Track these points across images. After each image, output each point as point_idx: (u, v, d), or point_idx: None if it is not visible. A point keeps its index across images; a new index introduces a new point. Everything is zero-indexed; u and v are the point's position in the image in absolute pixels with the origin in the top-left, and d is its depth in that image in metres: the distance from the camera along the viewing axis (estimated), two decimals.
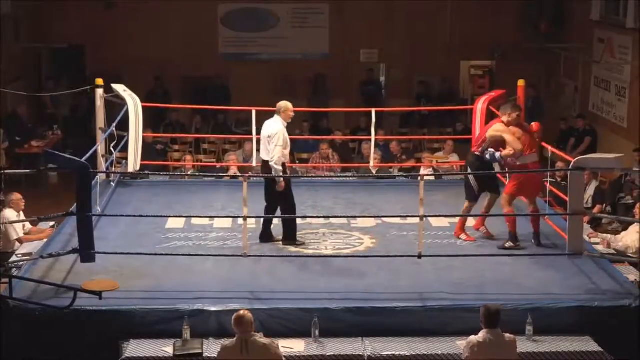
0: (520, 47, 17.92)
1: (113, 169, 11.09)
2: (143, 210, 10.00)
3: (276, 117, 8.95)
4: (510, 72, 15.59)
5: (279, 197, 8.88)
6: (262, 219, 9.14)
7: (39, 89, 17.46)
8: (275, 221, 9.15)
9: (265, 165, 8.94)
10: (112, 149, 10.76)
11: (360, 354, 7.08)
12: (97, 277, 7.90)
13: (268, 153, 8.85)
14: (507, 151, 8.82)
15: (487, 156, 8.98)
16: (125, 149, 10.84)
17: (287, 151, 8.97)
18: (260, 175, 9.29)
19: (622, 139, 14.72)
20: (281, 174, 8.79)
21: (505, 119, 8.98)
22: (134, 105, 10.80)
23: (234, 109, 16.35)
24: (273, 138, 8.76)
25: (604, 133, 15.62)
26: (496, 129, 8.96)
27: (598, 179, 13.01)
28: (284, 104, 8.98)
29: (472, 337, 6.45)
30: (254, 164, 12.07)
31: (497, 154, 8.90)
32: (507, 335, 6.52)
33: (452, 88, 18.94)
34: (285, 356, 6.64)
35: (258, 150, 11.95)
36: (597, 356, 7.09)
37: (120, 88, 11.10)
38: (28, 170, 13.03)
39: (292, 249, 8.90)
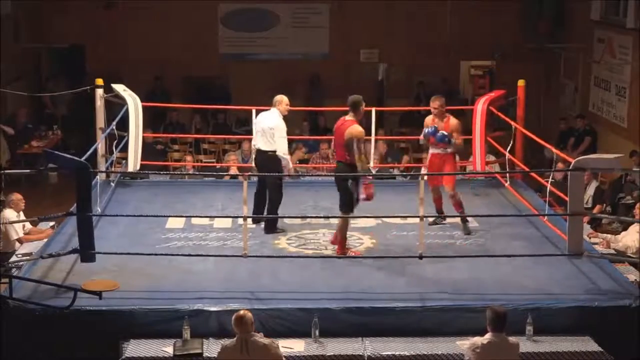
0: (520, 47, 17.92)
1: (113, 169, 11.09)
2: (143, 210, 10.00)
3: (274, 110, 9.38)
4: (510, 72, 15.60)
5: (275, 186, 9.30)
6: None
7: (39, 89, 17.46)
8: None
9: (264, 155, 9.32)
10: (112, 148, 10.77)
11: (360, 354, 7.08)
12: (97, 277, 7.90)
13: (268, 144, 9.29)
14: (459, 140, 9.36)
15: (439, 134, 9.18)
16: (125, 148, 10.85)
17: (286, 140, 9.47)
18: (259, 174, 9.44)
19: (622, 139, 14.72)
20: (290, 162, 9.44)
21: (436, 105, 9.38)
22: (134, 105, 10.82)
23: (234, 109, 16.36)
24: (276, 130, 9.22)
25: (603, 133, 15.62)
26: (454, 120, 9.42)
27: (598, 179, 13.01)
28: (280, 97, 9.46)
29: (477, 339, 6.43)
30: (254, 164, 12.07)
31: (453, 139, 9.25)
32: (511, 339, 6.51)
33: (452, 88, 18.92)
34: (285, 356, 6.65)
35: None
36: (597, 356, 7.09)
37: (120, 88, 11.12)
38: (28, 170, 13.05)
39: (292, 249, 8.91)
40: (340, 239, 8.64)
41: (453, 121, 9.36)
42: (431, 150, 9.51)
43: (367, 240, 9.22)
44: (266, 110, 9.67)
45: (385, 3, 18.32)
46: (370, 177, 8.58)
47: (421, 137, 9.54)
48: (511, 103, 11.78)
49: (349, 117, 8.61)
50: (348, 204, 8.57)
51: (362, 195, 8.44)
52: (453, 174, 9.48)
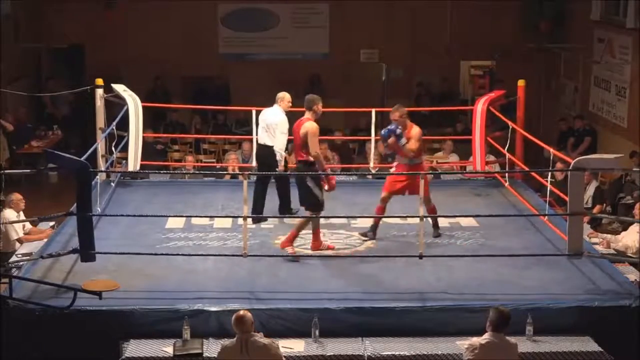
0: (520, 47, 17.92)
1: (113, 169, 11.09)
2: (143, 210, 10.00)
3: (276, 107, 9.70)
4: (510, 72, 15.60)
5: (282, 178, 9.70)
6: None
7: (39, 89, 17.47)
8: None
9: (267, 149, 9.61)
10: (112, 148, 10.77)
11: (360, 354, 7.08)
12: (97, 277, 7.90)
13: (271, 139, 9.60)
14: (413, 146, 8.89)
15: (392, 126, 8.87)
16: (125, 148, 10.86)
17: (286, 137, 9.74)
18: (259, 173, 9.48)
19: (622, 139, 14.72)
20: (282, 159, 9.71)
21: (397, 116, 8.97)
22: (134, 105, 10.83)
23: (234, 109, 16.36)
24: (279, 126, 9.54)
25: (604, 133, 15.62)
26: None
27: (598, 179, 13.01)
28: (283, 94, 9.78)
29: (475, 339, 6.41)
30: (254, 163, 12.08)
31: (403, 140, 8.84)
32: (510, 339, 6.50)
33: (452, 88, 18.94)
34: (285, 356, 6.64)
35: None
36: (597, 356, 7.08)
37: (120, 88, 11.13)
38: (28, 170, 13.04)
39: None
40: (292, 234, 8.59)
41: (415, 129, 9.02)
42: (398, 162, 9.25)
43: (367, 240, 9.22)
44: (267, 108, 9.83)
45: (385, 3, 18.33)
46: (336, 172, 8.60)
47: (381, 146, 9.31)
48: (512, 103, 11.78)
49: (305, 117, 8.70)
50: (315, 204, 8.61)
51: (326, 187, 8.58)
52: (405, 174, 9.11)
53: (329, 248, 8.86)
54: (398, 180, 9.08)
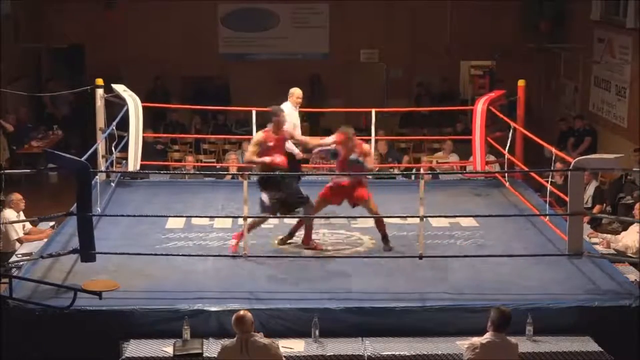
0: (520, 47, 17.93)
1: (113, 169, 11.10)
2: (143, 210, 10.00)
3: (287, 103, 9.87)
4: (510, 72, 15.61)
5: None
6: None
7: (39, 89, 17.47)
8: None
9: None
10: (112, 148, 10.78)
11: (360, 354, 7.08)
12: (97, 277, 7.90)
13: None
14: (372, 164, 8.97)
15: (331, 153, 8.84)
16: (125, 149, 10.86)
17: (298, 130, 9.79)
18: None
19: (622, 139, 14.73)
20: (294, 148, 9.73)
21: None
22: (134, 105, 10.83)
23: (234, 109, 16.37)
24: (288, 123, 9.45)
25: (604, 133, 15.63)
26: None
27: (598, 179, 13.01)
28: (293, 90, 10.01)
29: (476, 339, 6.41)
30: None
31: (354, 155, 8.67)
32: (511, 339, 6.50)
33: (452, 88, 18.95)
34: (285, 356, 6.64)
35: None
36: (597, 356, 7.08)
37: (120, 88, 11.13)
38: (28, 170, 13.04)
39: (292, 249, 8.89)
40: (242, 232, 8.45)
41: (366, 146, 8.94)
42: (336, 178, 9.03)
43: (367, 240, 9.22)
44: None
45: (385, 3, 18.34)
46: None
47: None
48: (512, 103, 11.78)
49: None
50: (264, 207, 8.56)
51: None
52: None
53: (316, 247, 8.83)
54: (336, 192, 8.90)
